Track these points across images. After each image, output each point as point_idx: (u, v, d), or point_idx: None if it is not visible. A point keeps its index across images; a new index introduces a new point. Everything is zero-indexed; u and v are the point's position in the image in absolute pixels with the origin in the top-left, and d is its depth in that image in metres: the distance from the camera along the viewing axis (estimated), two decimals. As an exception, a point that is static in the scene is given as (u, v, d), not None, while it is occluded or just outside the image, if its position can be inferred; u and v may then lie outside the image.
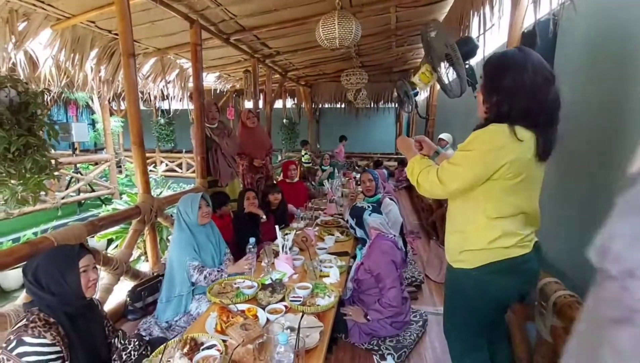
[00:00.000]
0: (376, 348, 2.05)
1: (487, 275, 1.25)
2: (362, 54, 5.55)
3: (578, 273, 1.50)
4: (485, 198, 1.22)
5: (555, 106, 1.15)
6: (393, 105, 9.36)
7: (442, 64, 2.33)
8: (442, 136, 4.59)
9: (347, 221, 2.34)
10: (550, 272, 1.58)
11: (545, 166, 1.23)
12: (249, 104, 5.97)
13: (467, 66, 1.95)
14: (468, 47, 2.19)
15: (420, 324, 2.30)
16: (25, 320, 1.21)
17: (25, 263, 1.35)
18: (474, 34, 2.76)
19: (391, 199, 2.70)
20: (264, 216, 2.86)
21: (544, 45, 1.81)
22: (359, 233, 2.28)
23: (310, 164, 7.35)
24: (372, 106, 8.95)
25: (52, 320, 1.25)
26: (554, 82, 1.14)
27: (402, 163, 7.71)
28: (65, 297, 1.30)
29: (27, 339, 1.15)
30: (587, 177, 1.63)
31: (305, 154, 7.77)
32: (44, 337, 1.18)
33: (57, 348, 1.21)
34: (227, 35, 3.88)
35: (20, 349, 1.14)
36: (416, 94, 4.63)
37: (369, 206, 2.28)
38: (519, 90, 1.13)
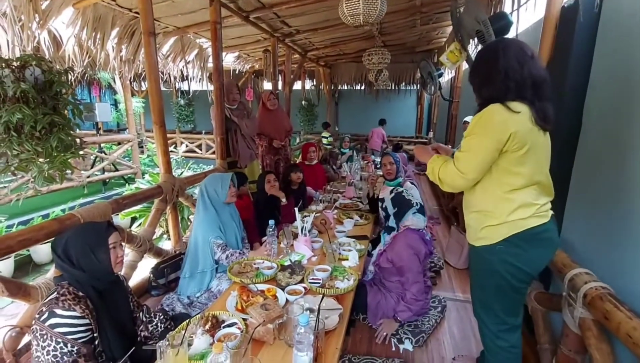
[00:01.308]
0: (394, 332, 2.05)
1: (510, 247, 1.29)
2: (385, 32, 5.35)
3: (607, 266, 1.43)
4: (498, 173, 1.28)
5: (539, 82, 1.23)
6: (415, 87, 9.08)
7: (472, 42, 2.20)
8: (467, 118, 4.42)
9: (381, 206, 2.20)
10: (579, 263, 1.51)
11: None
12: (267, 85, 5.91)
13: (500, 43, 1.84)
14: (501, 23, 2.05)
15: (439, 310, 2.28)
16: (56, 293, 1.25)
17: (54, 239, 1.39)
18: (507, 9, 2.58)
19: (412, 183, 2.63)
20: (284, 199, 2.86)
21: (587, 22, 1.67)
22: (392, 222, 2.14)
23: (331, 147, 7.29)
24: (393, 87, 8.70)
25: (81, 294, 1.29)
26: (531, 62, 1.23)
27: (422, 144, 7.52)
28: (95, 273, 1.33)
29: (59, 311, 1.20)
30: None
31: (328, 136, 7.71)
32: (74, 310, 1.22)
33: (87, 321, 1.25)
34: (247, 13, 3.80)
35: (52, 320, 1.18)
36: (440, 75, 4.48)
37: (417, 204, 2.11)
38: (495, 75, 1.25)
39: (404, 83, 8.65)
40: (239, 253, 2.09)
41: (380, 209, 2.26)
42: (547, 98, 1.25)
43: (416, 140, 9.40)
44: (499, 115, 1.21)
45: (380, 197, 2.25)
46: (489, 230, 1.32)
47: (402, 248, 2.00)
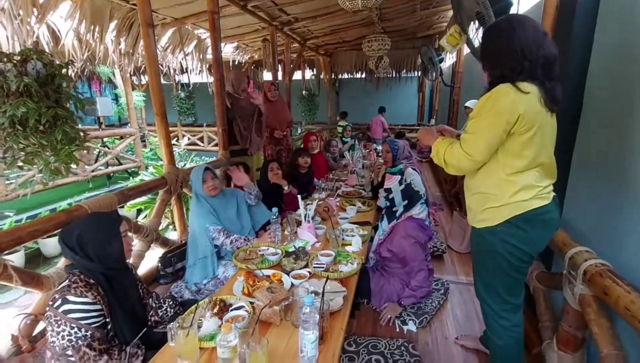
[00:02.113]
0: (398, 314, 2.09)
1: (511, 229, 1.30)
2: (385, 18, 5.28)
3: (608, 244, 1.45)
4: (502, 155, 1.27)
5: (551, 61, 1.21)
6: (416, 74, 9.00)
7: (472, 24, 2.19)
8: (469, 103, 4.39)
9: (387, 196, 2.17)
10: (580, 241, 1.53)
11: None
12: (268, 75, 5.88)
13: (500, 24, 1.82)
14: (501, 4, 2.03)
15: (441, 292, 2.31)
16: (67, 281, 1.29)
17: (62, 231, 1.41)
18: (507, -10, 2.54)
19: (414, 169, 2.64)
20: (287, 187, 2.89)
21: (585, 3, 1.65)
22: (399, 212, 2.13)
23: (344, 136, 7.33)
24: (393, 75, 8.62)
25: (91, 281, 1.32)
26: (545, 41, 1.20)
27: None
28: (108, 261, 1.37)
29: (71, 298, 1.23)
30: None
31: (346, 125, 7.70)
32: (86, 296, 1.26)
33: (98, 307, 1.29)
34: (245, 2, 3.77)
35: (65, 307, 1.22)
36: (441, 61, 4.43)
37: (423, 195, 2.13)
38: (511, 53, 1.21)
39: (405, 70, 8.57)
40: (244, 239, 2.12)
41: (383, 198, 2.23)
42: (558, 78, 1.23)
43: (418, 127, 9.35)
44: (507, 96, 1.18)
45: (386, 187, 2.23)
46: (490, 211, 1.33)
47: (403, 238, 2.02)
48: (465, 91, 5.32)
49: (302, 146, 4.18)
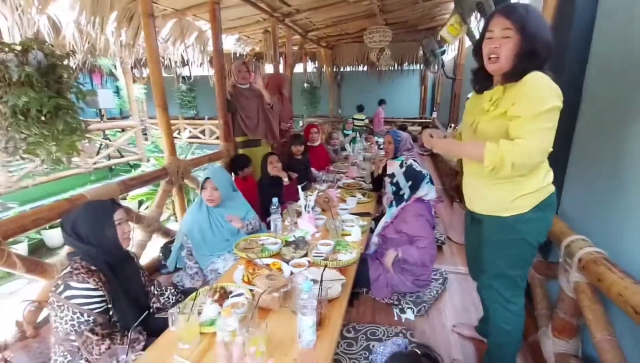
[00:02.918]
0: (396, 302, 2.12)
1: (538, 213, 1.31)
2: (386, 10, 5.23)
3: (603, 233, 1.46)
4: None
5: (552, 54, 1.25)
6: (418, 66, 8.95)
7: (474, 15, 2.17)
8: (471, 95, 4.38)
9: (391, 181, 2.18)
10: (576, 231, 1.54)
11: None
12: (269, 68, 5.86)
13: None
14: (502, -6, 2.02)
15: (440, 282, 2.34)
16: (69, 267, 1.32)
17: (62, 217, 1.44)
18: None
19: (414, 160, 2.65)
20: (286, 179, 2.90)
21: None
22: (406, 195, 2.12)
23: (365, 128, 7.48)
24: (395, 67, 8.58)
25: (93, 267, 1.35)
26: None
27: (427, 127, 7.49)
28: (105, 247, 1.39)
29: (73, 284, 1.26)
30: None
31: (364, 118, 7.77)
32: (88, 282, 1.28)
33: (101, 293, 1.32)
34: (245, -7, 3.74)
35: (68, 292, 1.25)
36: (443, 52, 4.40)
37: (428, 173, 2.14)
38: (548, 42, 1.21)
39: (406, 62, 8.51)
40: (197, 270, 2.13)
41: (389, 184, 2.23)
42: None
43: (420, 120, 9.32)
44: (549, 80, 1.18)
45: (389, 173, 2.24)
46: (524, 198, 1.30)
47: (413, 218, 2.04)
48: (467, 84, 5.29)
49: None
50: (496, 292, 1.47)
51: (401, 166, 2.15)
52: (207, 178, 2.12)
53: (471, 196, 1.50)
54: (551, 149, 1.19)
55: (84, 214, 1.40)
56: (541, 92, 1.17)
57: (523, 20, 1.18)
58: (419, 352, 1.45)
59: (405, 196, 2.12)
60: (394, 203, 2.20)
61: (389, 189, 2.24)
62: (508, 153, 1.18)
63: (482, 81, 1.38)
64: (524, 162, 1.20)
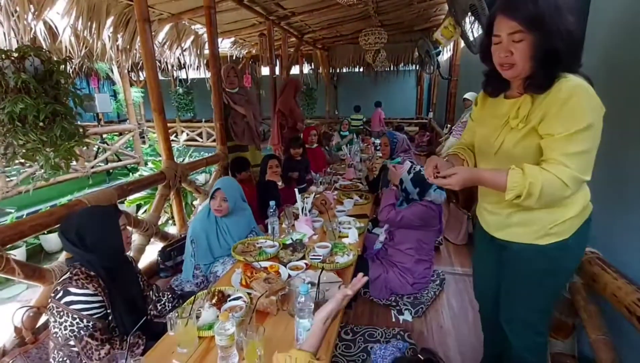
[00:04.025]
0: (394, 304, 2.13)
1: (581, 237, 1.13)
2: (381, 12, 5.26)
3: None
4: None
5: None
6: (414, 67, 8.99)
7: (467, 17, 2.20)
8: (468, 95, 4.40)
9: (400, 188, 2.14)
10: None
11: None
12: (265, 70, 5.88)
13: (493, 17, 1.83)
14: (495, -4, 2.04)
15: (437, 283, 2.35)
16: (69, 273, 1.32)
17: (62, 224, 1.43)
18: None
19: (411, 161, 2.67)
20: (281, 182, 2.92)
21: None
22: (415, 198, 2.11)
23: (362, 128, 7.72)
24: (391, 68, 8.62)
25: (92, 273, 1.35)
26: None
27: (423, 127, 7.53)
28: (108, 253, 1.39)
29: (73, 289, 1.26)
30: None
31: (362, 118, 8.04)
32: (87, 288, 1.29)
33: (100, 298, 1.32)
34: (241, -4, 3.76)
35: (67, 298, 1.25)
36: (438, 53, 4.42)
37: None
38: (575, 31, 0.96)
39: (402, 63, 8.56)
40: (203, 277, 2.10)
41: (400, 191, 2.19)
42: None
43: (416, 121, 9.36)
44: (588, 88, 0.97)
45: (395, 184, 2.21)
46: (565, 223, 1.10)
47: (422, 211, 2.05)
48: (462, 84, 5.32)
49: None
50: (528, 325, 1.27)
51: (409, 171, 2.11)
52: (218, 188, 2.08)
53: (492, 220, 1.26)
54: (588, 178, 0.99)
55: (90, 221, 1.40)
56: (578, 105, 0.95)
57: (533, 15, 0.95)
58: (422, 358, 1.44)
59: (411, 198, 2.13)
60: (404, 203, 2.18)
61: (400, 195, 2.19)
62: (535, 183, 0.97)
63: (497, 83, 1.16)
64: (553, 194, 0.98)
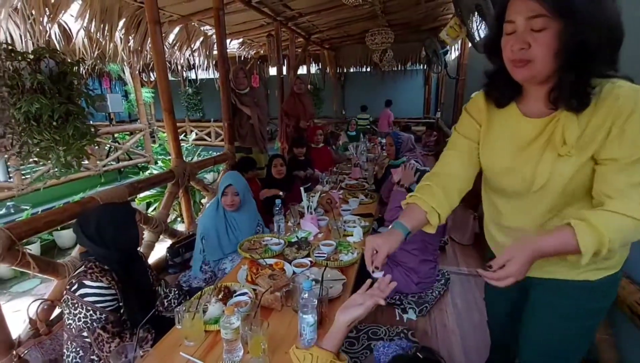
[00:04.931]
0: (398, 302, 2.14)
1: (622, 270, 0.96)
2: (388, 12, 5.26)
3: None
4: None
5: None
6: (421, 66, 8.95)
7: (473, 17, 2.20)
8: (475, 95, 4.38)
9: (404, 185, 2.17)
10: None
11: None
12: (273, 70, 5.93)
13: (498, 17, 1.84)
14: (501, -4, 2.04)
15: (442, 282, 2.35)
16: (83, 267, 1.37)
17: (79, 221, 1.47)
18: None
19: (417, 161, 2.68)
20: (281, 193, 2.90)
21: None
22: None
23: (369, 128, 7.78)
24: (399, 68, 8.60)
25: (106, 267, 1.40)
26: None
27: (431, 127, 7.50)
28: (124, 249, 1.45)
29: (87, 282, 1.31)
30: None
31: (369, 117, 8.13)
32: (101, 281, 1.34)
33: (113, 291, 1.37)
34: (249, -2, 3.81)
35: (82, 290, 1.30)
36: (446, 53, 4.42)
37: None
38: (618, 24, 0.74)
39: (410, 63, 8.53)
40: (211, 273, 2.14)
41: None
42: None
43: (424, 120, 9.31)
44: None
45: (397, 179, 2.24)
46: (618, 255, 0.92)
47: None
48: (470, 83, 5.29)
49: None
50: None
51: (415, 173, 2.16)
52: (230, 184, 2.13)
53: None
54: None
55: (110, 217, 1.45)
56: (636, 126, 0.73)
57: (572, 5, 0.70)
58: (421, 356, 1.45)
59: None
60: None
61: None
62: (614, 237, 0.73)
63: (507, 87, 0.90)
64: (632, 239, 0.80)
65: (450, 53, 5.38)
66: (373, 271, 1.00)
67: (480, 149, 1.02)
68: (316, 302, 1.24)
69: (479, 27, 2.16)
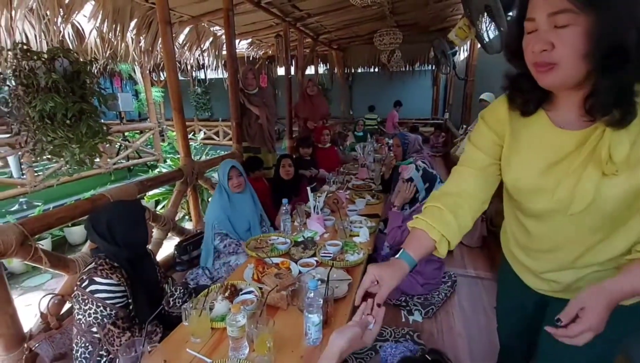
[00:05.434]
0: (404, 304, 2.14)
1: None
2: (397, 12, 5.24)
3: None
4: None
5: None
6: (430, 67, 8.90)
7: (482, 18, 2.18)
8: (484, 96, 4.33)
9: (408, 180, 2.19)
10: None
11: None
12: (281, 70, 5.95)
13: (509, 18, 1.82)
14: (511, -3, 2.02)
15: (449, 284, 2.34)
16: (94, 263, 1.40)
17: (91, 217, 1.51)
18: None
19: (423, 162, 2.66)
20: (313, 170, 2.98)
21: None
22: (421, 196, 2.17)
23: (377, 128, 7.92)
24: (407, 68, 8.56)
25: (116, 264, 1.42)
26: None
27: (439, 128, 7.45)
28: (134, 246, 1.48)
29: (98, 279, 1.34)
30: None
31: (377, 117, 8.25)
32: (111, 278, 1.36)
33: (122, 288, 1.39)
34: (258, -1, 3.84)
35: (92, 287, 1.33)
36: (454, 54, 4.38)
37: (438, 176, 2.21)
38: None
39: (418, 63, 8.48)
40: (236, 244, 2.21)
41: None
42: None
43: (432, 121, 9.25)
44: None
45: (407, 178, 2.25)
46: None
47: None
48: (479, 84, 5.25)
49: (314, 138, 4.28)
50: None
51: (417, 169, 2.19)
52: (232, 166, 2.27)
53: (565, 281, 0.90)
54: None
55: (120, 214, 1.48)
56: None
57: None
58: (429, 358, 1.42)
59: (420, 198, 2.16)
60: (407, 206, 2.21)
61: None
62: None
63: (531, 92, 0.78)
64: None
65: (459, 54, 5.34)
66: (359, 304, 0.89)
67: (502, 165, 0.89)
68: (322, 302, 1.25)
69: (488, 28, 2.14)
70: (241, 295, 1.51)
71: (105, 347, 1.35)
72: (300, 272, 1.69)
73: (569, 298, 0.75)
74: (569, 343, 0.68)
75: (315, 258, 1.80)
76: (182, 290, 1.73)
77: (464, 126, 5.44)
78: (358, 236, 2.10)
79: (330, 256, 1.79)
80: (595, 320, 0.65)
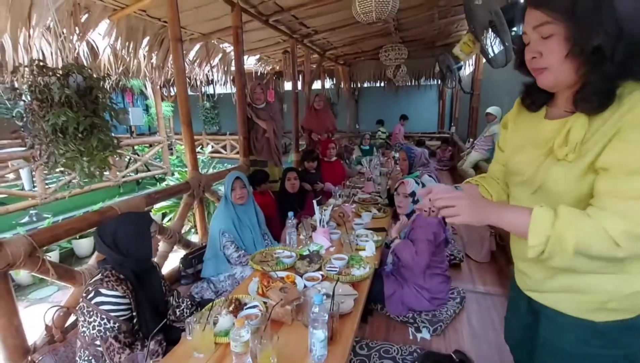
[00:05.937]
0: (411, 321, 2.09)
1: None
2: (402, 28, 5.33)
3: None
4: None
5: None
6: (435, 81, 8.96)
7: (486, 33, 2.21)
8: (490, 110, 4.33)
9: (413, 199, 2.20)
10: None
11: None
12: (288, 85, 6.04)
13: (512, 33, 1.84)
14: (513, 13, 2.05)
15: (457, 301, 2.29)
16: (100, 274, 1.40)
17: (100, 228, 1.52)
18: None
19: (430, 175, 2.65)
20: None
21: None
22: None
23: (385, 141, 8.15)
24: (412, 83, 8.64)
25: (122, 276, 1.43)
26: None
27: (445, 141, 7.44)
28: (139, 258, 1.49)
29: (103, 291, 1.34)
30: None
31: (385, 131, 8.41)
32: (117, 290, 1.36)
33: (127, 300, 1.39)
34: (266, 17, 3.93)
35: (98, 299, 1.33)
36: (460, 68, 4.41)
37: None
38: (634, 22, 0.69)
39: (424, 78, 8.56)
40: (243, 254, 2.23)
41: (411, 203, 2.25)
42: None
43: (438, 135, 9.25)
44: None
45: (409, 192, 2.24)
46: (632, 298, 0.79)
47: (420, 228, 2.06)
48: (485, 98, 5.26)
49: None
50: None
51: (417, 183, 2.18)
52: (237, 177, 2.29)
53: (526, 281, 0.98)
54: None
55: (126, 225, 1.50)
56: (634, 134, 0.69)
57: (566, 2, 0.71)
58: (454, 357, 1.37)
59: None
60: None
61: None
62: (569, 232, 0.69)
63: (538, 93, 0.89)
64: (598, 254, 0.70)
65: (465, 68, 5.38)
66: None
67: (506, 152, 1.05)
68: (327, 317, 1.23)
69: (492, 43, 2.17)
70: (245, 309, 1.49)
71: (107, 362, 1.34)
72: (305, 286, 1.67)
73: (547, 304, 0.91)
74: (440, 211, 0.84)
75: (321, 272, 1.79)
76: (188, 302, 1.73)
77: (471, 140, 5.43)
78: (364, 250, 2.08)
79: (336, 270, 1.77)
80: (440, 194, 0.85)
